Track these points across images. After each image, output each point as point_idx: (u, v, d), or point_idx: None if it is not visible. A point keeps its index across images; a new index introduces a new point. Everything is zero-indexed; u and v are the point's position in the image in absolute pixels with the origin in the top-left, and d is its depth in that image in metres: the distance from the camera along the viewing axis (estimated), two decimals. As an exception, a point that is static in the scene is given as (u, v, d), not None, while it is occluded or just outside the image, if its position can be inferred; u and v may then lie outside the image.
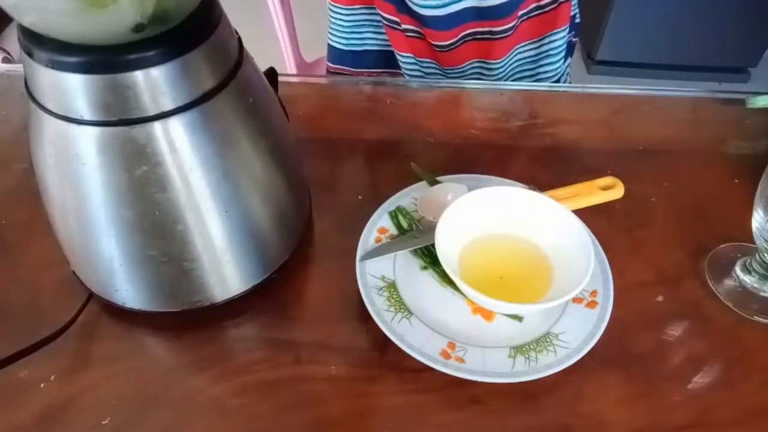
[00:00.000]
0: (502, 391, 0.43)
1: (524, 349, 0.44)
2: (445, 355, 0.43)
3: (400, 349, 0.43)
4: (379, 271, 0.48)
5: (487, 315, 0.47)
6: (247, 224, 0.45)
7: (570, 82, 0.91)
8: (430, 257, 0.50)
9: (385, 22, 0.80)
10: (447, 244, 0.46)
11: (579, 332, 0.44)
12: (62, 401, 0.42)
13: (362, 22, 0.83)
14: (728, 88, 1.49)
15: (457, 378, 0.41)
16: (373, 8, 0.80)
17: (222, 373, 0.44)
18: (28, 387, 0.43)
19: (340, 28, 0.85)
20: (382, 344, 0.44)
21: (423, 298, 0.47)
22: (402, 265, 0.49)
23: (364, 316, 0.45)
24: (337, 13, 0.84)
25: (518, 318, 0.46)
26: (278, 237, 0.49)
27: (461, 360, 0.43)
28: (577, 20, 0.86)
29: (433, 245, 0.45)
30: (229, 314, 0.47)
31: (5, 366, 0.41)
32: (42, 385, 0.43)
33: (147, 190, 0.39)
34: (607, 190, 0.53)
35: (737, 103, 0.68)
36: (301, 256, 0.51)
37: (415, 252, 0.50)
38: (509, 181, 0.55)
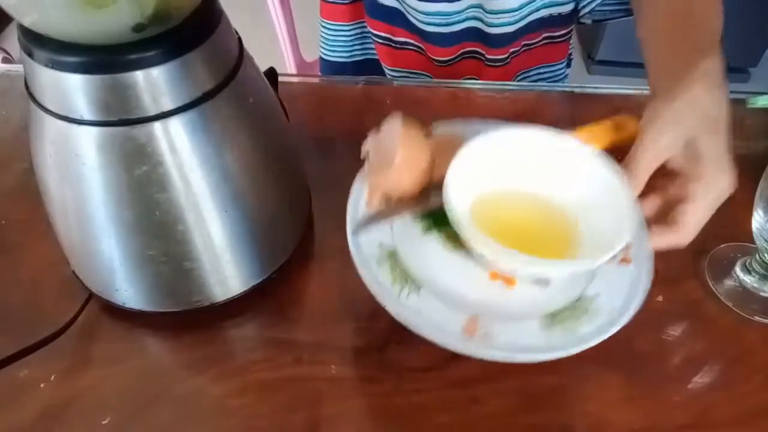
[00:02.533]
0: (502, 391, 0.43)
1: (559, 317, 0.38)
2: (470, 331, 0.36)
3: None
4: (375, 239, 0.41)
5: (508, 280, 0.41)
6: (247, 224, 0.45)
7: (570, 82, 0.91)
8: (431, 217, 0.43)
9: (376, 39, 0.80)
10: (457, 199, 0.39)
11: (616, 294, 0.39)
12: (62, 401, 0.42)
13: (366, 33, 0.83)
14: (728, 88, 1.49)
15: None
16: None
17: (222, 373, 0.44)
18: (28, 387, 0.43)
19: (340, 42, 0.85)
20: (382, 344, 0.44)
21: (429, 268, 0.41)
22: (400, 230, 0.42)
23: (365, 316, 0.45)
24: (336, 30, 0.84)
25: (543, 283, 0.40)
26: (278, 237, 0.49)
27: (486, 338, 0.36)
28: (572, 57, 0.87)
29: (440, 208, 0.39)
30: (229, 314, 0.47)
31: (5, 366, 0.41)
32: (42, 385, 0.43)
33: (147, 190, 0.39)
34: (620, 131, 0.45)
35: (737, 103, 0.68)
36: (301, 256, 0.51)
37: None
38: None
